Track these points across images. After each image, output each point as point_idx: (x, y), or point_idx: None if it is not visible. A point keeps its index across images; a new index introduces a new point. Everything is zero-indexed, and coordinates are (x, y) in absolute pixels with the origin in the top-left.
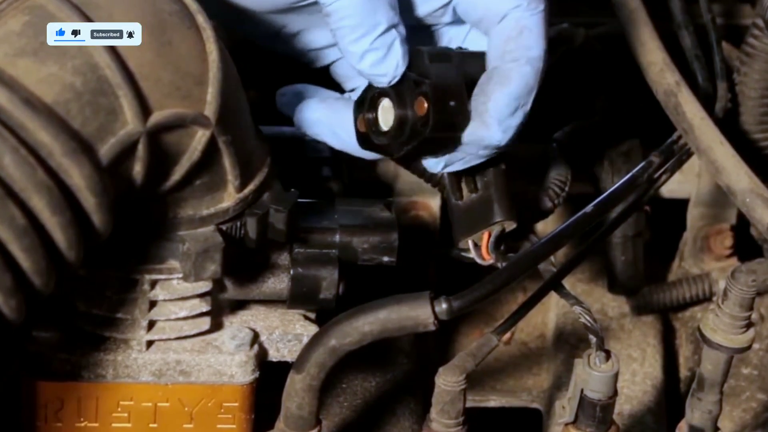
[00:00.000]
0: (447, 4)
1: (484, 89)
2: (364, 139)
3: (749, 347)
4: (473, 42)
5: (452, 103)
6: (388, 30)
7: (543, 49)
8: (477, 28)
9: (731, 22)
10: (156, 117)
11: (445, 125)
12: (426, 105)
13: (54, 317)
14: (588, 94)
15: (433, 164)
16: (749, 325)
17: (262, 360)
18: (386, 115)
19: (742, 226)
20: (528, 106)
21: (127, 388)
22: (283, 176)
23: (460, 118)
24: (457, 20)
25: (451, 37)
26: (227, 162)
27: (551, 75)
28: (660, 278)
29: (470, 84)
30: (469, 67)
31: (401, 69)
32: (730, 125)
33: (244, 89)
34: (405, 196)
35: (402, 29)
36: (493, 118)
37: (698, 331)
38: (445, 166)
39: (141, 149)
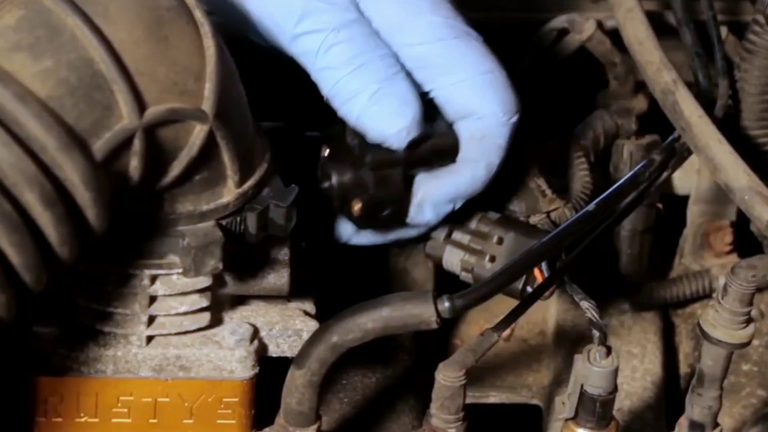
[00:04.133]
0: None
1: (437, 173)
2: None
3: (749, 343)
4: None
5: (386, 212)
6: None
7: (500, 159)
8: (451, 119)
9: (733, 19)
10: (152, 112)
11: (372, 227)
12: (358, 208)
13: (54, 312)
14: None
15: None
16: (749, 320)
17: (262, 355)
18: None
19: (742, 222)
20: (462, 203)
21: (127, 383)
22: (282, 171)
23: (390, 223)
24: None
25: None
26: (226, 157)
27: (564, 69)
28: (660, 275)
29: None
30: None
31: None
32: (729, 122)
33: (244, 86)
34: None
35: None
36: (429, 203)
37: (698, 326)
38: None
39: (137, 144)
